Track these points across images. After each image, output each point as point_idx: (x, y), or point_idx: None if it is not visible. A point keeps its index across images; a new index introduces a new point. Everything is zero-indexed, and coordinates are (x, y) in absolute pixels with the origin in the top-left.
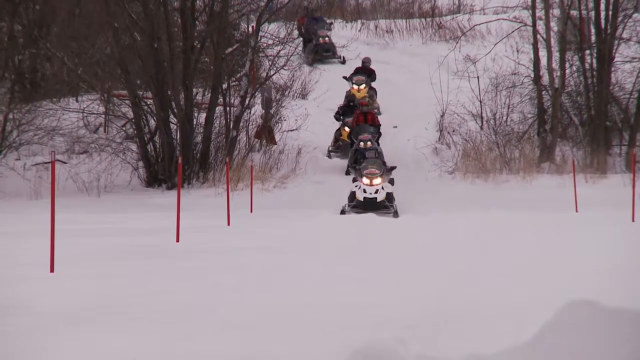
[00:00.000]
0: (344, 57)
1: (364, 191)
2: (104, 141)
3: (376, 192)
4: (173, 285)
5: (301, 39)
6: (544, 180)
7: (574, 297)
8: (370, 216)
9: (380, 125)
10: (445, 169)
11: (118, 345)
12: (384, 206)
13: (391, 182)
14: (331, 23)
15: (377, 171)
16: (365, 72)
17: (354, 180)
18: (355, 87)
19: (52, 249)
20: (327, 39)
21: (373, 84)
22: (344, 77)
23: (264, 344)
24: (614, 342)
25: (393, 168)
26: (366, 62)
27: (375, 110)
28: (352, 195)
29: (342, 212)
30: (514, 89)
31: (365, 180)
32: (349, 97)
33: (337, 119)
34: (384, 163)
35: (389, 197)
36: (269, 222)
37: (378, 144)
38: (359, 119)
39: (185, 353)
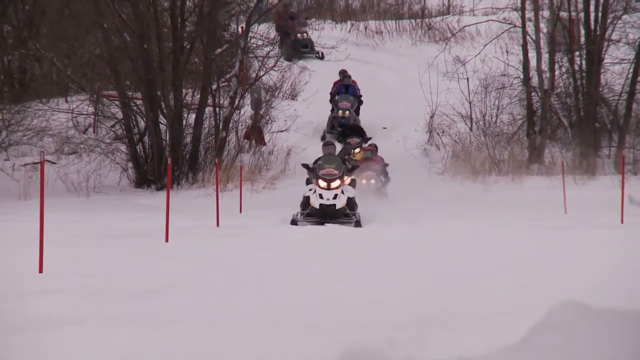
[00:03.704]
0: (322, 53)
1: (320, 196)
2: (94, 142)
3: (335, 197)
4: (162, 285)
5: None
6: (533, 182)
7: (563, 298)
8: (334, 227)
9: (387, 164)
10: (434, 170)
11: (107, 345)
12: (343, 214)
13: (352, 184)
14: (307, 18)
15: (335, 172)
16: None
17: (308, 182)
18: None
19: (41, 250)
20: (305, 34)
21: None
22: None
23: (252, 344)
24: (604, 343)
25: (355, 167)
26: (346, 76)
27: (379, 156)
28: (306, 202)
29: (293, 222)
30: (503, 90)
31: (322, 183)
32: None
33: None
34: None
35: (351, 203)
36: (258, 223)
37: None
38: (361, 165)
39: (174, 353)
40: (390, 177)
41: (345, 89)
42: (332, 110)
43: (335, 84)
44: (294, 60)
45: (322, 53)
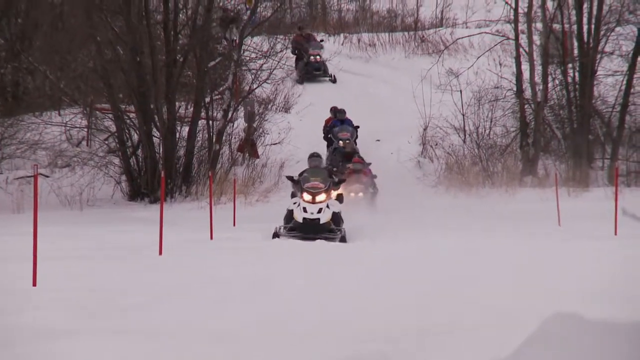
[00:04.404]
0: (334, 76)
1: (304, 210)
2: (87, 155)
3: (319, 211)
4: (155, 298)
5: (292, 55)
6: (527, 194)
7: (557, 309)
8: (318, 244)
9: (375, 176)
10: (428, 182)
11: (100, 358)
12: (328, 229)
13: (339, 199)
14: (322, 40)
15: (321, 185)
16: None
17: (293, 196)
18: None
19: (35, 263)
20: (318, 57)
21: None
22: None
23: (245, 357)
24: (598, 354)
25: (342, 181)
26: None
27: (368, 169)
28: (290, 215)
29: (275, 235)
30: (496, 102)
31: (306, 197)
32: None
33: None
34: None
35: (336, 218)
36: (252, 236)
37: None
38: (350, 177)
39: None
40: (378, 189)
41: (340, 123)
42: (328, 146)
43: (327, 121)
44: (306, 83)
45: (334, 77)
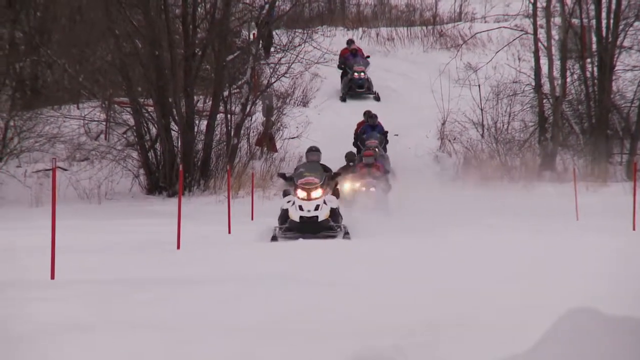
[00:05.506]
0: (378, 94)
1: (300, 208)
2: (105, 148)
3: (316, 208)
4: (173, 292)
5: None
6: (545, 189)
7: (574, 305)
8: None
9: (388, 171)
10: (445, 177)
11: (118, 352)
12: (327, 227)
13: (336, 194)
14: (368, 57)
15: (315, 180)
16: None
17: (286, 194)
18: None
19: (53, 256)
20: (362, 74)
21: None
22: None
23: (261, 351)
24: (615, 350)
25: (337, 175)
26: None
27: (380, 163)
28: (285, 215)
29: (274, 237)
30: (515, 97)
31: (301, 194)
32: None
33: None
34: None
35: (334, 214)
36: (269, 230)
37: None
38: (361, 172)
39: (182, 359)
40: (391, 185)
41: (371, 129)
42: (358, 152)
43: (359, 125)
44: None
45: (378, 94)
